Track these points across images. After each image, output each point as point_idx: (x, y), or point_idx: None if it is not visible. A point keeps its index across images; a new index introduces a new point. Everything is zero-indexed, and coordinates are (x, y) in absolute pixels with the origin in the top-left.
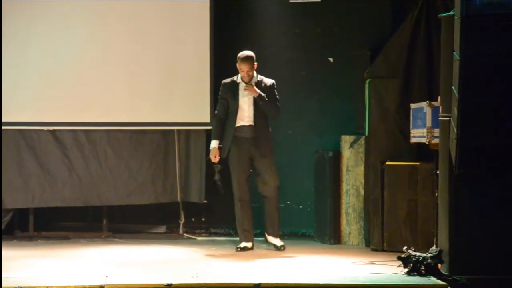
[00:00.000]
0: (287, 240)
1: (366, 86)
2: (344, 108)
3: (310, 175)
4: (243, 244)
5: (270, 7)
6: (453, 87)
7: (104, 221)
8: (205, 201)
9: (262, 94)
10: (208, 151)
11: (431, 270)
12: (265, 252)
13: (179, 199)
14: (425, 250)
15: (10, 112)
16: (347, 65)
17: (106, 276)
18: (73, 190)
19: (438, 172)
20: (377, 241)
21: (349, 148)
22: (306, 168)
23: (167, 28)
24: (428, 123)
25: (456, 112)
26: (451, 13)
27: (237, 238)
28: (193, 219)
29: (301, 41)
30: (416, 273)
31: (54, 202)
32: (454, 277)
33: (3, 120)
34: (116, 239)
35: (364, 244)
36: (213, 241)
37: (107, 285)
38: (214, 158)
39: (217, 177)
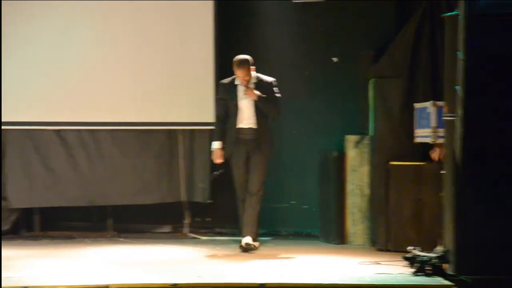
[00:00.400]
0: (292, 240)
1: (370, 86)
2: (348, 108)
3: (315, 175)
4: (244, 240)
5: (273, 7)
6: (457, 86)
7: (109, 221)
8: (210, 201)
9: (262, 95)
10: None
11: (437, 270)
12: (270, 252)
13: (183, 199)
14: (431, 250)
15: (16, 112)
16: (351, 65)
17: (111, 276)
18: (78, 189)
19: (443, 172)
20: (383, 241)
21: (354, 148)
22: (311, 168)
23: (171, 29)
24: (433, 123)
25: (460, 112)
26: (454, 12)
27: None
28: (197, 219)
29: (304, 41)
30: (422, 273)
31: (59, 202)
32: (460, 277)
33: (8, 120)
34: (121, 239)
35: (369, 244)
36: (217, 241)
37: (112, 284)
38: (217, 159)
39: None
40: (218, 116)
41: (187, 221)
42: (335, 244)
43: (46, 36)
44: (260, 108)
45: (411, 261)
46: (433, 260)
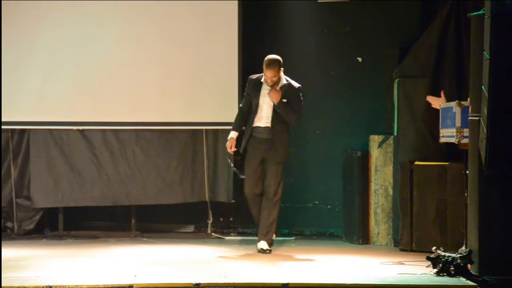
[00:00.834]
0: (315, 240)
1: (395, 85)
2: (373, 108)
3: (339, 175)
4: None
5: (298, 7)
6: (483, 86)
7: (133, 221)
8: (233, 201)
9: (284, 100)
10: (236, 151)
11: (461, 271)
12: (293, 252)
13: (207, 199)
14: (454, 250)
15: (40, 112)
16: (376, 65)
17: (135, 276)
18: (102, 189)
19: (467, 172)
20: (406, 242)
21: (378, 147)
22: (335, 168)
23: (196, 28)
24: (458, 123)
25: (486, 111)
26: (481, 12)
27: None
28: (221, 219)
29: (329, 40)
30: (445, 274)
31: (83, 202)
32: (484, 277)
33: (33, 120)
34: (145, 239)
35: (392, 245)
36: (241, 240)
37: (135, 284)
38: (230, 148)
39: (233, 166)
40: (241, 109)
41: (210, 221)
42: (358, 244)
43: (71, 37)
44: (278, 112)
45: (435, 261)
46: (457, 261)
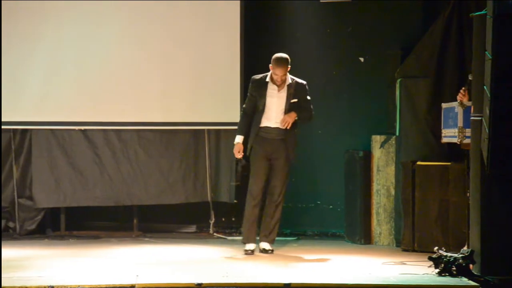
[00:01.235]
0: (317, 240)
1: (397, 85)
2: (375, 108)
3: (341, 175)
4: (248, 247)
5: (300, 7)
6: (485, 86)
7: (135, 221)
8: (235, 201)
9: (294, 100)
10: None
11: (463, 271)
12: (295, 252)
13: (209, 199)
14: (457, 250)
15: (42, 112)
16: (378, 65)
17: (137, 275)
18: (104, 189)
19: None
20: (408, 242)
21: (380, 148)
22: (337, 168)
23: (198, 28)
24: (460, 123)
25: (488, 111)
26: (483, 12)
27: None
28: (223, 219)
29: (331, 40)
30: (447, 274)
31: (85, 202)
32: (486, 277)
33: (35, 120)
34: (147, 239)
35: (394, 245)
36: None
37: (137, 284)
38: (238, 153)
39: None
40: (245, 110)
41: (212, 221)
42: (360, 244)
43: (73, 37)
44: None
45: (437, 261)
46: (459, 261)
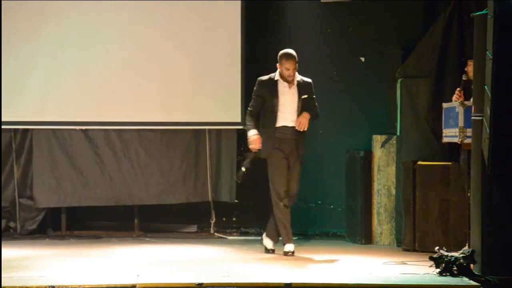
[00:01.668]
0: (317, 240)
1: (398, 85)
2: (376, 107)
3: (341, 175)
4: (289, 248)
5: (301, 7)
6: (485, 86)
7: (136, 221)
8: (236, 201)
9: (304, 96)
10: (239, 150)
11: (463, 271)
12: (296, 251)
13: (210, 199)
14: (457, 250)
15: (42, 112)
16: (379, 65)
17: (138, 275)
18: (105, 189)
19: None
20: (409, 241)
21: (381, 147)
22: (337, 168)
23: (199, 28)
24: (461, 122)
25: (488, 111)
26: (484, 12)
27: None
28: (224, 219)
29: (332, 40)
30: (448, 274)
31: (86, 202)
32: (487, 277)
33: (35, 120)
34: (147, 238)
35: (395, 244)
36: (244, 240)
37: (138, 284)
38: (258, 145)
39: (246, 165)
40: (251, 112)
41: (213, 221)
42: (361, 244)
43: (73, 37)
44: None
45: (437, 261)
46: (460, 260)
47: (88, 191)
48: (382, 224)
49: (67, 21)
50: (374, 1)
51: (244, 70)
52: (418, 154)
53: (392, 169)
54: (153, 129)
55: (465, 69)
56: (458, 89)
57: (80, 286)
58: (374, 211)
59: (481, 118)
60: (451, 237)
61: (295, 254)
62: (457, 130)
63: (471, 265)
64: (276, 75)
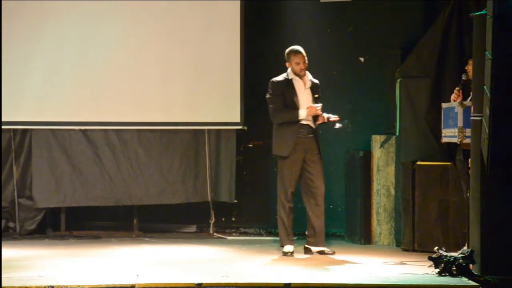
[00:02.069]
0: None
1: (397, 85)
2: (375, 107)
3: (341, 175)
4: (288, 248)
5: (300, 7)
6: (485, 86)
7: (135, 221)
8: (236, 201)
9: (316, 96)
10: (238, 150)
11: (463, 271)
12: (295, 251)
13: (209, 199)
14: (457, 250)
15: (42, 112)
16: (378, 65)
17: (137, 275)
18: (104, 189)
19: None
20: (408, 241)
21: (380, 148)
22: (337, 168)
23: (198, 28)
24: (460, 122)
25: (488, 111)
26: (483, 12)
27: (267, 238)
28: (223, 219)
29: (331, 40)
30: (447, 274)
31: (85, 202)
32: (486, 277)
33: (35, 120)
34: (147, 239)
35: (394, 244)
36: (243, 240)
37: (137, 284)
38: (317, 109)
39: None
40: (277, 108)
41: (212, 221)
42: (360, 244)
43: (73, 37)
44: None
45: (437, 261)
46: (459, 261)
47: (87, 191)
48: (381, 224)
49: (67, 22)
50: (373, 1)
51: (243, 70)
52: (417, 154)
53: (391, 169)
54: (153, 129)
55: (465, 68)
56: (456, 88)
57: (79, 286)
58: (374, 211)
59: (480, 118)
60: (451, 237)
61: (294, 254)
62: (456, 130)
63: (470, 265)
64: (289, 74)
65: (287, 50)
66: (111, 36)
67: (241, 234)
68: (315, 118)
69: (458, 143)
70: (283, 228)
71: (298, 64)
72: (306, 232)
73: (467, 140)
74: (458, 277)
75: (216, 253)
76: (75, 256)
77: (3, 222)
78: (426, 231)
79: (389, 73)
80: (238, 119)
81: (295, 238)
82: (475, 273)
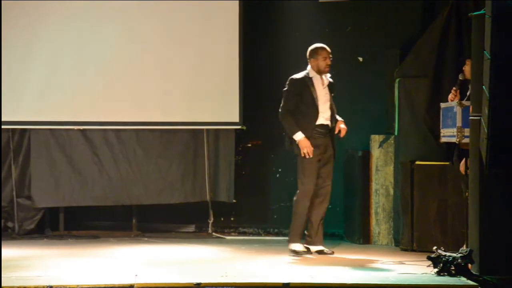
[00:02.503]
0: None
1: (396, 85)
2: (374, 107)
3: (340, 174)
4: (301, 247)
5: (299, 7)
6: (483, 86)
7: (134, 220)
8: (234, 201)
9: (332, 94)
10: (237, 150)
11: (461, 270)
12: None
13: (208, 199)
14: (455, 250)
15: (41, 112)
16: (377, 65)
17: (136, 275)
18: (103, 189)
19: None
20: (407, 241)
21: (379, 147)
22: (336, 168)
23: (197, 28)
24: (458, 122)
25: (486, 111)
26: (482, 12)
27: (266, 238)
28: (222, 219)
29: (330, 40)
30: (446, 273)
31: (84, 201)
32: (485, 277)
33: (33, 119)
34: (146, 238)
35: (393, 244)
36: (242, 240)
37: (136, 284)
38: (310, 149)
39: None
40: (289, 110)
41: (211, 220)
42: (359, 244)
43: (72, 37)
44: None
45: (435, 261)
46: (458, 260)
47: (86, 191)
48: (380, 224)
49: (66, 21)
50: (372, 1)
51: (242, 70)
52: (416, 154)
53: (390, 169)
54: (152, 129)
55: (463, 68)
56: (454, 88)
57: (78, 286)
58: (372, 211)
59: (479, 118)
60: (449, 236)
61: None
62: (455, 130)
63: (469, 265)
64: (310, 73)
65: (312, 47)
66: (109, 36)
67: (240, 234)
68: (333, 117)
69: (457, 143)
70: (300, 225)
71: (325, 59)
72: (305, 232)
73: (466, 140)
74: (456, 276)
75: (215, 253)
76: (74, 256)
77: (2, 222)
78: (425, 230)
79: (388, 73)
80: (237, 119)
81: None
82: (474, 272)
